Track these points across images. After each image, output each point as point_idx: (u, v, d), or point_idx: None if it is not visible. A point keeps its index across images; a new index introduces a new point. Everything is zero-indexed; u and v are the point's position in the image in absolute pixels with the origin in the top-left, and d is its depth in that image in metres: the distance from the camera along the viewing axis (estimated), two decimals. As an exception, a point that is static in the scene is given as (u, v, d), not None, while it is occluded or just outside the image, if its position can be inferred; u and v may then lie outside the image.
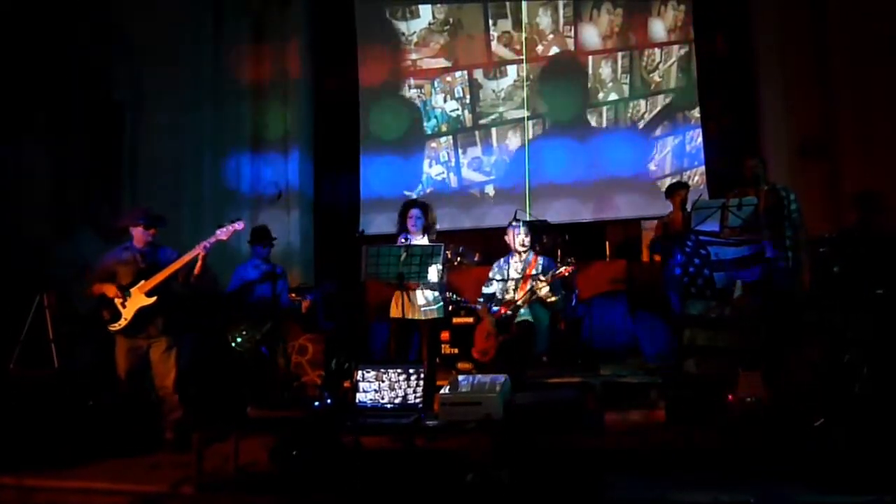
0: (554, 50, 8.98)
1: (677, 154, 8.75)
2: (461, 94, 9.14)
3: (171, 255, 5.33)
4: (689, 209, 6.32)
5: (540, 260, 6.42)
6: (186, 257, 5.21)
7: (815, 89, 7.85)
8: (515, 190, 8.93)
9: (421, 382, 5.13)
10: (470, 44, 9.12)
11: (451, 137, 9.16)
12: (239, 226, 5.47)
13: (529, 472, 3.98)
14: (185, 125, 8.22)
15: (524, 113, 8.99)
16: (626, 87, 8.90)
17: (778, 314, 5.54)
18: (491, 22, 9.08)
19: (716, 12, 8.69)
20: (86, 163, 7.10)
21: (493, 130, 9.06)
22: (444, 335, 6.71)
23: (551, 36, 8.99)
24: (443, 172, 9.16)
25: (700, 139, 8.67)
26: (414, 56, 9.23)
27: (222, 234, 5.36)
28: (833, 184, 7.67)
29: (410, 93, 9.25)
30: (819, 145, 7.81)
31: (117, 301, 5.17)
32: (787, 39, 8.05)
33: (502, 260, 6.55)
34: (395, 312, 5.83)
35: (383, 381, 5.10)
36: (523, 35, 9.03)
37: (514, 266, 6.44)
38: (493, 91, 9.07)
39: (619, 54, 8.91)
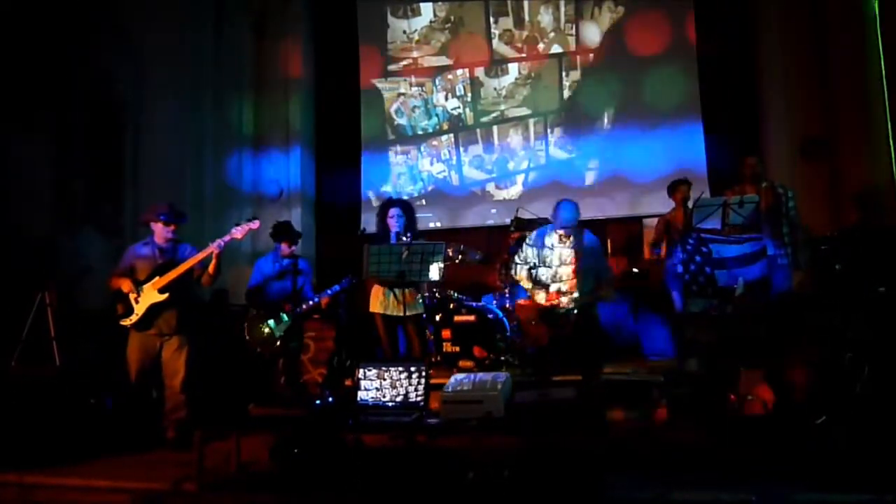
0: (555, 48, 8.97)
1: (679, 152, 8.73)
2: (462, 92, 9.14)
3: (191, 252, 5.34)
4: (690, 206, 6.32)
5: (586, 242, 5.86)
6: (200, 255, 5.22)
7: (815, 88, 7.86)
8: (517, 188, 8.94)
9: (423, 380, 5.13)
10: (471, 42, 9.12)
11: (452, 135, 9.16)
12: (255, 225, 5.49)
13: (530, 470, 3.98)
14: (187, 124, 8.22)
15: (525, 111, 8.99)
16: (627, 85, 8.90)
17: (779, 312, 5.54)
18: (492, 20, 9.08)
19: (717, 10, 8.68)
20: (88, 161, 7.11)
21: (495, 128, 9.06)
22: (446, 333, 6.72)
23: (552, 34, 8.99)
24: (444, 170, 9.16)
25: (701, 137, 8.66)
26: (415, 54, 9.24)
27: (238, 232, 5.37)
28: (834, 183, 7.68)
29: (412, 91, 9.25)
30: (820, 144, 7.81)
31: (131, 296, 5.18)
32: (788, 38, 8.05)
33: (535, 239, 5.96)
34: (377, 308, 5.85)
35: (385, 380, 5.09)
36: (524, 33, 9.03)
37: (559, 251, 5.88)
38: (495, 89, 9.07)
39: (621, 52, 8.90)
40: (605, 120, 8.90)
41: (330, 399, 4.92)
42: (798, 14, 7.98)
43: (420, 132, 9.24)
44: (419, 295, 6.02)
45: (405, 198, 7.73)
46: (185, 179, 8.16)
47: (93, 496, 4.40)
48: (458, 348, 6.72)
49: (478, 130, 9.11)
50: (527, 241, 6.02)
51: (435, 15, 9.21)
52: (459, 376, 5.47)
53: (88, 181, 7.08)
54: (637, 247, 8.47)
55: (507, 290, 7.06)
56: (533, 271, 5.88)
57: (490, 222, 8.92)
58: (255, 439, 4.57)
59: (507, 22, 9.06)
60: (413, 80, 9.26)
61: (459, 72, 9.15)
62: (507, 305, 6.93)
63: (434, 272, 5.54)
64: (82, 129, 7.09)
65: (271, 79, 9.02)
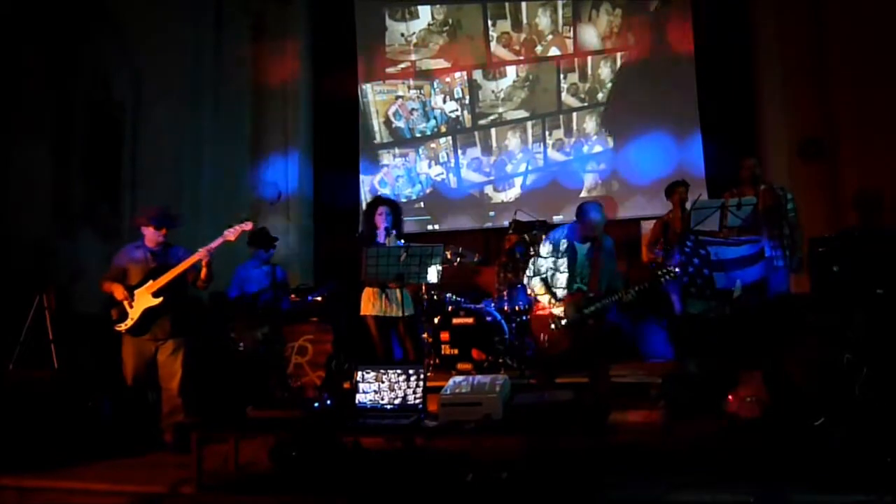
0: (553, 51, 8.99)
1: (676, 154, 8.75)
2: (461, 95, 9.15)
3: (184, 256, 5.32)
4: (688, 208, 6.33)
5: (606, 246, 5.58)
6: (192, 259, 5.21)
7: (814, 89, 7.88)
8: (515, 190, 8.95)
9: (421, 383, 5.12)
10: (469, 44, 9.13)
11: (450, 138, 9.17)
12: (247, 226, 5.47)
13: (529, 472, 3.98)
14: (186, 126, 8.22)
15: (523, 113, 9.00)
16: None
17: (777, 314, 5.54)
18: (490, 23, 9.09)
19: (715, 12, 8.70)
20: (86, 163, 7.08)
21: (493, 131, 9.07)
22: (444, 335, 6.72)
23: (550, 36, 9.01)
24: (442, 173, 9.16)
25: (699, 139, 8.68)
26: (413, 57, 9.24)
27: (230, 234, 5.35)
28: (832, 184, 7.70)
29: (410, 93, 9.25)
30: (818, 146, 7.83)
31: (125, 302, 5.17)
32: (786, 40, 8.08)
33: (550, 246, 5.55)
34: (369, 310, 5.85)
35: (383, 382, 5.08)
36: (522, 36, 9.04)
37: (582, 253, 5.53)
38: (493, 91, 9.08)
39: (618, 55, 8.92)
40: (603, 122, 8.90)
41: (328, 401, 4.90)
42: (795, 16, 8.00)
43: (418, 135, 9.24)
44: (411, 296, 6.01)
45: (393, 198, 7.76)
46: (183, 182, 8.15)
47: (91, 499, 4.40)
48: (456, 351, 6.71)
49: (476, 133, 9.12)
50: (541, 251, 5.65)
51: (433, 18, 9.22)
52: (458, 379, 5.45)
53: (86, 183, 7.06)
54: (635, 249, 8.47)
55: (505, 293, 7.06)
56: (549, 279, 5.54)
57: (488, 225, 8.93)
58: (253, 442, 4.57)
59: (505, 25, 9.07)
60: (411, 82, 9.27)
61: (457, 74, 9.16)
62: (506, 308, 6.93)
63: (432, 274, 5.54)
64: (80, 131, 7.07)
65: (270, 81, 9.01)
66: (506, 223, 7.59)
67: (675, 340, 6.47)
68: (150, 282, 5.20)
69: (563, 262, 5.47)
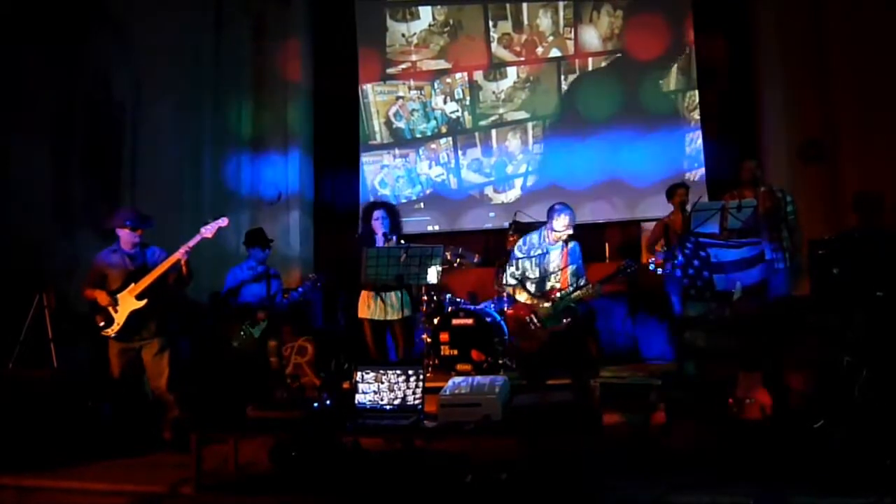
0: (554, 52, 8.99)
1: (677, 156, 8.76)
2: (461, 96, 9.14)
3: (161, 256, 5.34)
4: (688, 210, 6.33)
5: (572, 246, 5.87)
6: (171, 259, 5.22)
7: (814, 91, 7.88)
8: (515, 191, 8.95)
9: (420, 384, 5.12)
10: (470, 45, 9.12)
11: (450, 139, 9.17)
12: (223, 222, 5.44)
13: (528, 473, 3.98)
14: (185, 125, 8.22)
15: (524, 114, 9.00)
16: (625, 89, 8.92)
17: (777, 316, 5.54)
18: (491, 23, 9.09)
19: (716, 14, 8.71)
20: (86, 162, 7.09)
21: (493, 132, 9.07)
22: (444, 336, 6.71)
23: (551, 38, 9.00)
24: (442, 174, 9.16)
25: (700, 141, 8.69)
26: (414, 57, 9.24)
27: (207, 231, 5.34)
28: (833, 186, 7.69)
29: (410, 94, 9.25)
30: (819, 147, 7.83)
31: (109, 308, 5.18)
32: (786, 42, 8.08)
33: (536, 241, 5.91)
34: (365, 313, 5.86)
35: (382, 383, 5.08)
36: (523, 37, 9.05)
37: (554, 253, 5.88)
38: (493, 92, 9.08)
39: (619, 56, 8.92)
40: (604, 124, 8.90)
41: (328, 402, 4.90)
42: (796, 17, 8.00)
43: (419, 135, 9.24)
44: (408, 297, 6.01)
45: (391, 201, 7.79)
46: (183, 182, 8.15)
47: (91, 499, 4.41)
48: (455, 352, 6.71)
49: (476, 134, 9.11)
50: (517, 251, 5.97)
51: (434, 18, 9.22)
52: (457, 380, 5.46)
53: (86, 183, 7.06)
54: (635, 250, 8.48)
55: (504, 294, 7.06)
56: (526, 280, 5.87)
57: (488, 226, 8.92)
58: (253, 442, 4.58)
59: (506, 26, 9.07)
60: (412, 83, 9.26)
61: (458, 75, 9.15)
62: (505, 309, 6.92)
63: (432, 275, 5.55)
64: (81, 130, 7.08)
65: (270, 81, 9.01)
66: (506, 224, 7.58)
67: (674, 342, 6.47)
68: (132, 285, 5.21)
69: (535, 261, 5.78)
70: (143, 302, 5.18)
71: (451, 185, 9.14)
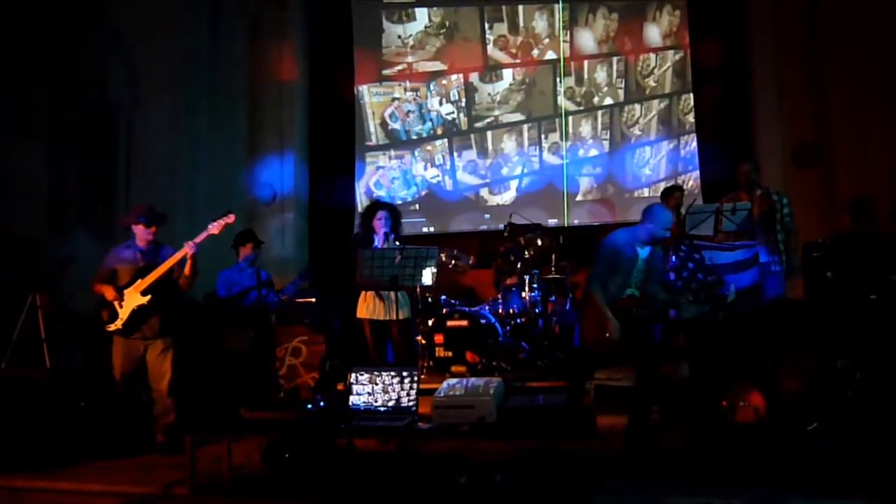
0: (549, 54, 9.00)
1: (672, 159, 8.79)
2: (457, 98, 9.15)
3: (171, 254, 5.31)
4: (683, 212, 6.35)
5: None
6: (177, 256, 5.20)
7: (809, 95, 7.91)
8: (510, 193, 8.96)
9: (415, 385, 5.12)
10: (466, 47, 9.13)
11: (446, 140, 9.17)
12: (230, 219, 5.43)
13: (522, 475, 3.98)
14: (181, 126, 8.19)
15: (520, 116, 9.02)
16: (621, 92, 8.95)
17: (771, 319, 5.55)
18: (487, 26, 9.10)
19: (711, 18, 8.74)
20: (81, 163, 7.08)
21: (489, 134, 9.07)
22: (438, 338, 6.71)
23: (547, 40, 9.02)
24: (438, 175, 9.16)
25: (694, 144, 8.73)
26: (410, 59, 9.24)
27: (214, 228, 5.33)
28: (827, 189, 7.72)
29: (406, 96, 9.25)
30: (813, 151, 7.85)
31: (115, 303, 5.16)
32: (781, 45, 8.11)
33: (624, 246, 4.94)
34: (364, 314, 5.85)
35: (377, 384, 5.09)
36: (519, 39, 9.06)
37: (642, 255, 5.00)
38: (489, 94, 9.09)
39: (615, 59, 8.95)
40: (599, 126, 8.93)
41: (322, 403, 4.90)
42: (791, 21, 8.03)
43: (414, 137, 9.24)
44: (408, 298, 5.99)
45: (392, 202, 7.75)
46: (178, 182, 8.12)
47: (84, 500, 4.39)
48: (450, 353, 6.71)
49: (472, 136, 9.12)
50: (617, 249, 4.96)
51: (430, 20, 9.22)
52: (452, 381, 5.47)
53: (81, 183, 7.05)
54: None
55: (499, 296, 7.06)
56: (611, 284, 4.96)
57: (483, 227, 8.93)
58: (246, 443, 4.56)
59: (502, 28, 9.08)
60: (408, 84, 9.26)
61: (454, 77, 9.16)
62: (500, 310, 6.93)
63: (427, 277, 5.54)
64: (76, 131, 7.06)
65: (266, 82, 9.00)
66: (501, 226, 7.58)
67: (668, 345, 6.48)
68: (139, 280, 5.19)
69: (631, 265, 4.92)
70: (147, 298, 5.16)
71: (447, 187, 9.15)
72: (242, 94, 9.02)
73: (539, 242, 7.34)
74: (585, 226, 8.68)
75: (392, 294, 5.77)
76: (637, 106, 8.91)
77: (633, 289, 4.92)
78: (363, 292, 5.88)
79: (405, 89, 9.27)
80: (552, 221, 8.55)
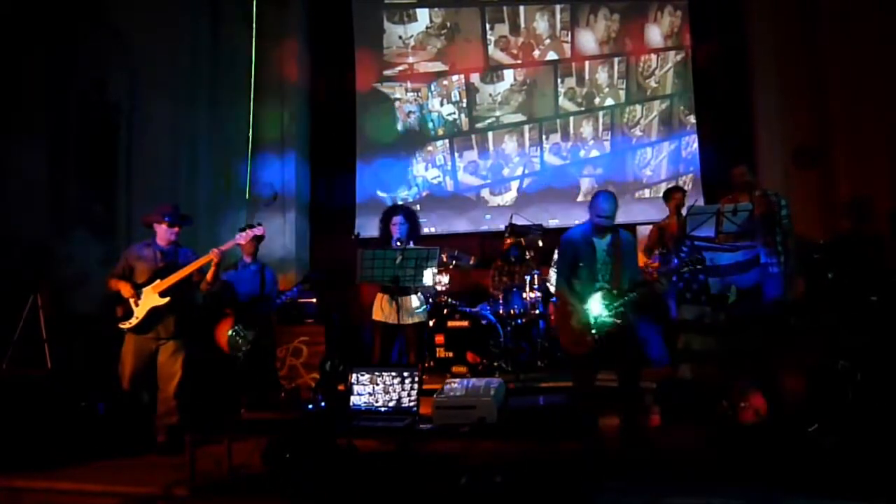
0: (551, 55, 9.00)
1: (673, 159, 8.79)
2: (458, 98, 9.15)
3: (192, 257, 5.31)
4: (684, 214, 6.35)
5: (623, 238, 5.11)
6: (201, 260, 5.19)
7: (809, 96, 7.92)
8: (511, 194, 8.96)
9: (416, 386, 5.12)
10: (467, 48, 9.13)
11: (447, 141, 9.17)
12: (259, 230, 5.46)
13: (523, 476, 3.98)
14: (182, 126, 8.20)
15: (521, 117, 9.01)
16: (622, 93, 8.95)
17: (772, 320, 5.55)
18: (488, 26, 9.10)
19: (711, 19, 8.75)
20: (81, 163, 7.07)
21: (490, 134, 9.07)
22: (439, 338, 6.72)
23: (548, 41, 9.02)
24: (439, 176, 9.16)
25: (695, 145, 8.73)
26: (411, 59, 9.24)
27: (241, 238, 5.36)
28: (827, 191, 7.72)
29: (407, 96, 9.25)
30: (813, 152, 7.85)
31: (131, 300, 5.15)
32: (781, 47, 8.12)
33: (578, 239, 5.09)
34: (379, 316, 5.82)
35: (378, 384, 5.07)
36: (520, 39, 9.05)
37: (600, 246, 5.07)
38: (490, 95, 9.09)
39: (616, 60, 8.95)
40: (600, 127, 8.93)
41: (322, 403, 4.89)
42: (790, 24, 8.04)
43: (415, 137, 9.23)
44: (421, 303, 5.96)
45: (391, 203, 7.77)
46: (179, 182, 8.12)
47: (84, 500, 4.39)
48: (451, 354, 6.72)
49: (473, 136, 9.12)
50: (572, 244, 5.11)
51: (431, 21, 9.22)
52: (452, 382, 5.46)
53: (82, 183, 7.04)
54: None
55: (500, 296, 7.06)
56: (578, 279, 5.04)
57: (484, 228, 8.92)
58: (247, 443, 4.55)
59: (503, 28, 9.08)
60: (409, 85, 9.26)
61: (455, 78, 9.16)
62: (501, 311, 6.93)
63: (428, 277, 5.53)
64: (76, 130, 7.05)
65: (267, 82, 8.99)
66: (502, 227, 7.58)
67: (670, 346, 6.48)
68: (158, 281, 5.17)
69: (588, 256, 4.98)
70: (166, 300, 5.14)
71: (448, 187, 9.15)
72: (243, 94, 9.01)
73: (540, 243, 7.36)
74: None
75: (407, 298, 5.74)
76: (638, 106, 8.91)
77: (601, 282, 4.96)
78: (378, 294, 5.85)
79: (406, 90, 9.26)
80: (553, 222, 8.54)
